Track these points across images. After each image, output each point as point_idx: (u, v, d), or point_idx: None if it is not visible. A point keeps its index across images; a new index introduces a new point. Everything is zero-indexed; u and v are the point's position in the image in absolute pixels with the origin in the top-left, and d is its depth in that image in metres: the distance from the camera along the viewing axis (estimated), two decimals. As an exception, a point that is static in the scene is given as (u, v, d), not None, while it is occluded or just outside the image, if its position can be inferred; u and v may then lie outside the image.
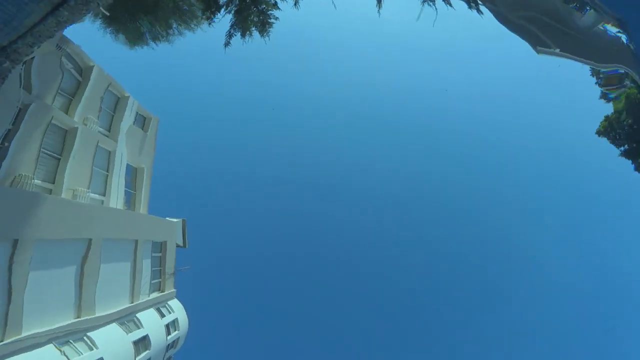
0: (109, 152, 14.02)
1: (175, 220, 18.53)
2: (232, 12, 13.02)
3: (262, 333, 42.74)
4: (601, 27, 8.81)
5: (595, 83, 19.80)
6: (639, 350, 40.73)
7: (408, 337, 45.52)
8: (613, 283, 47.50)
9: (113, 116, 14.77)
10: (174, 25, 14.58)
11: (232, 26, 13.15)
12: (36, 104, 9.92)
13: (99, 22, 13.53)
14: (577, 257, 48.57)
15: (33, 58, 9.62)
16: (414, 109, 58.01)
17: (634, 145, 18.30)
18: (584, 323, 46.50)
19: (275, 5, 13.45)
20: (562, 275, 47.54)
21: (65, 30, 9.99)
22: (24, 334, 8.46)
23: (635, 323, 43.49)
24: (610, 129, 19.37)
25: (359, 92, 57.98)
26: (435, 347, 44.87)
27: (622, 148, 19.36)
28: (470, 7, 12.34)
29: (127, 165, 15.47)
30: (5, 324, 8.00)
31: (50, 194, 10.72)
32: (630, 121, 17.54)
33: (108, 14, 12.00)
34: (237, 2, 12.83)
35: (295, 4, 13.14)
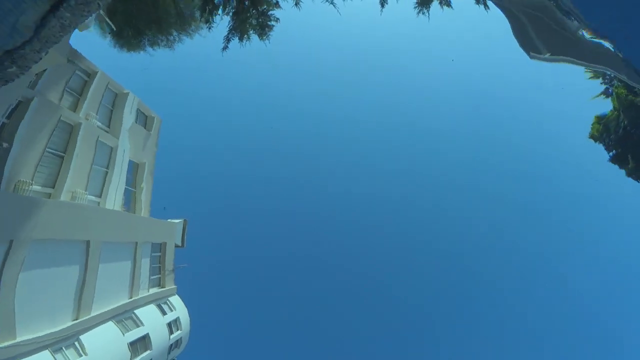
0: (111, 148, 13.96)
1: (176, 221, 18.59)
2: (230, 14, 12.96)
3: (262, 334, 42.84)
4: (580, 33, 8.95)
5: (601, 84, 19.83)
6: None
7: (408, 338, 45.51)
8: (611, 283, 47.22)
9: (113, 112, 14.73)
10: (174, 33, 14.72)
11: (230, 30, 13.03)
12: (40, 98, 9.96)
13: (108, 38, 13.79)
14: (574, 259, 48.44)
15: (45, 70, 9.68)
16: (413, 109, 58.04)
17: (621, 150, 18.23)
18: (575, 325, 46.37)
19: (277, 5, 13.25)
20: (560, 277, 47.43)
21: (73, 39, 10.09)
22: (19, 338, 8.26)
23: (628, 325, 43.35)
24: (604, 132, 19.31)
25: (358, 92, 58.08)
26: (435, 347, 44.86)
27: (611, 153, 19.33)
28: (477, 2, 12.42)
29: (130, 161, 15.50)
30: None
31: (50, 197, 10.62)
32: (625, 122, 17.71)
33: (114, 28, 12.22)
34: (235, 3, 12.76)
35: (296, 4, 12.99)
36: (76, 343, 10.04)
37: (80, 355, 9.92)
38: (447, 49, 54.43)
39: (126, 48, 14.21)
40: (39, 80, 10.25)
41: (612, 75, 16.99)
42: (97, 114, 13.23)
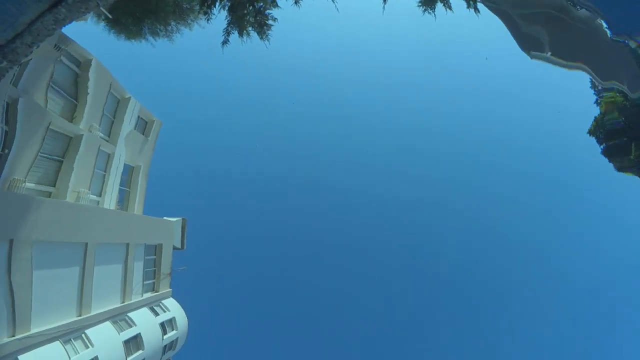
0: (109, 154, 14.08)
1: (174, 219, 18.29)
2: (227, 8, 12.80)
3: (262, 335, 42.69)
4: (599, 22, 8.80)
5: (594, 94, 21.02)
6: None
7: (408, 338, 45.64)
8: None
9: (114, 121, 14.70)
10: (172, 23, 14.51)
11: (228, 24, 12.95)
12: (25, 100, 9.71)
13: (102, 24, 13.49)
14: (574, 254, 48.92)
15: (31, 60, 9.38)
16: (413, 109, 58.12)
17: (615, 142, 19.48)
18: (570, 317, 46.93)
19: (274, 3, 13.12)
20: (559, 272, 47.91)
21: (68, 29, 9.78)
22: (33, 330, 8.98)
23: (630, 319, 43.98)
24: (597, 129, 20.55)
25: (358, 92, 58.05)
26: (434, 348, 45.04)
27: (602, 146, 20.53)
28: (468, 6, 12.39)
29: (125, 164, 15.49)
30: (14, 321, 8.48)
31: (51, 196, 10.87)
32: (622, 119, 18.90)
33: (111, 17, 11.93)
34: None
35: (295, 2, 12.84)
36: (83, 336, 11.01)
37: (88, 347, 10.86)
38: (445, 48, 54.53)
39: (125, 35, 13.83)
40: (21, 76, 9.79)
41: (601, 88, 17.66)
42: (99, 125, 13.25)
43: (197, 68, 50.28)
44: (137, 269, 14.84)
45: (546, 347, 44.66)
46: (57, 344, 9.79)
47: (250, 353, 40.80)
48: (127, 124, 15.33)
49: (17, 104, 9.30)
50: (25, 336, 8.63)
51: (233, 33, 12.87)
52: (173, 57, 45.29)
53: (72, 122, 11.90)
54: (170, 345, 15.77)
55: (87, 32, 13.25)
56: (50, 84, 10.92)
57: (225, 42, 12.86)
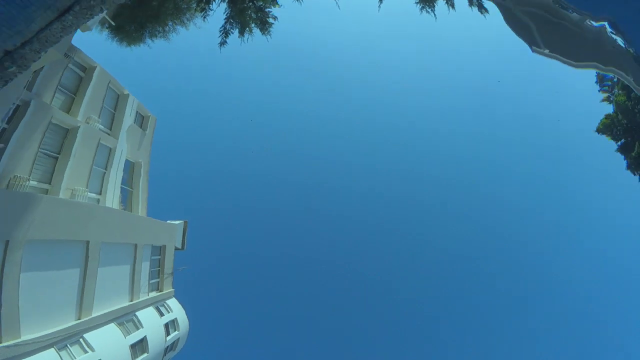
0: (110, 149, 14.03)
1: (176, 222, 18.49)
2: (226, 1, 12.56)
3: (262, 336, 42.73)
4: (589, 23, 9.03)
5: (599, 90, 20.82)
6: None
7: (408, 338, 45.68)
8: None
9: (114, 115, 14.86)
10: (170, 23, 14.64)
11: (227, 19, 12.49)
12: (36, 101, 9.85)
13: (105, 32, 13.68)
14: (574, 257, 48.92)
15: (43, 67, 9.54)
16: (413, 109, 58.19)
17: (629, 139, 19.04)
18: (583, 321, 46.85)
19: (274, 2, 12.94)
20: (560, 274, 47.92)
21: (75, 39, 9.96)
22: (23, 337, 8.23)
23: (632, 322, 43.89)
24: (611, 127, 20.20)
25: (358, 92, 58.08)
26: (434, 348, 45.07)
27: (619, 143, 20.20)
28: (471, 4, 12.38)
29: (126, 160, 15.57)
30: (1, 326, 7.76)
31: (47, 193, 10.47)
32: (625, 122, 18.57)
33: (114, 24, 12.08)
34: None
35: None
36: (81, 340, 10.30)
37: (87, 352, 10.17)
38: (443, 47, 54.60)
39: (126, 42, 14.08)
40: (36, 80, 10.02)
41: (615, 80, 17.50)
42: (99, 117, 13.30)
43: (197, 67, 50.27)
44: (144, 268, 14.86)
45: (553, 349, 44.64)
46: (51, 351, 9.00)
47: (250, 352, 40.83)
48: (128, 118, 15.51)
49: (27, 106, 9.38)
50: (13, 344, 7.88)
51: (232, 33, 12.62)
52: (172, 57, 45.33)
53: (69, 114, 11.89)
54: (172, 347, 15.81)
55: (90, 41, 13.36)
56: (59, 86, 11.09)
57: (222, 43, 12.60)
